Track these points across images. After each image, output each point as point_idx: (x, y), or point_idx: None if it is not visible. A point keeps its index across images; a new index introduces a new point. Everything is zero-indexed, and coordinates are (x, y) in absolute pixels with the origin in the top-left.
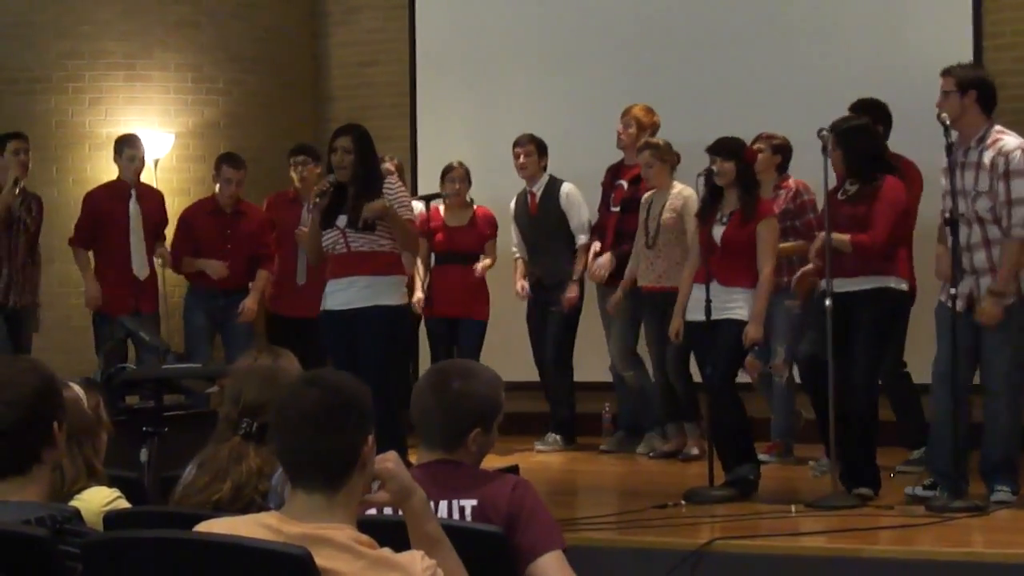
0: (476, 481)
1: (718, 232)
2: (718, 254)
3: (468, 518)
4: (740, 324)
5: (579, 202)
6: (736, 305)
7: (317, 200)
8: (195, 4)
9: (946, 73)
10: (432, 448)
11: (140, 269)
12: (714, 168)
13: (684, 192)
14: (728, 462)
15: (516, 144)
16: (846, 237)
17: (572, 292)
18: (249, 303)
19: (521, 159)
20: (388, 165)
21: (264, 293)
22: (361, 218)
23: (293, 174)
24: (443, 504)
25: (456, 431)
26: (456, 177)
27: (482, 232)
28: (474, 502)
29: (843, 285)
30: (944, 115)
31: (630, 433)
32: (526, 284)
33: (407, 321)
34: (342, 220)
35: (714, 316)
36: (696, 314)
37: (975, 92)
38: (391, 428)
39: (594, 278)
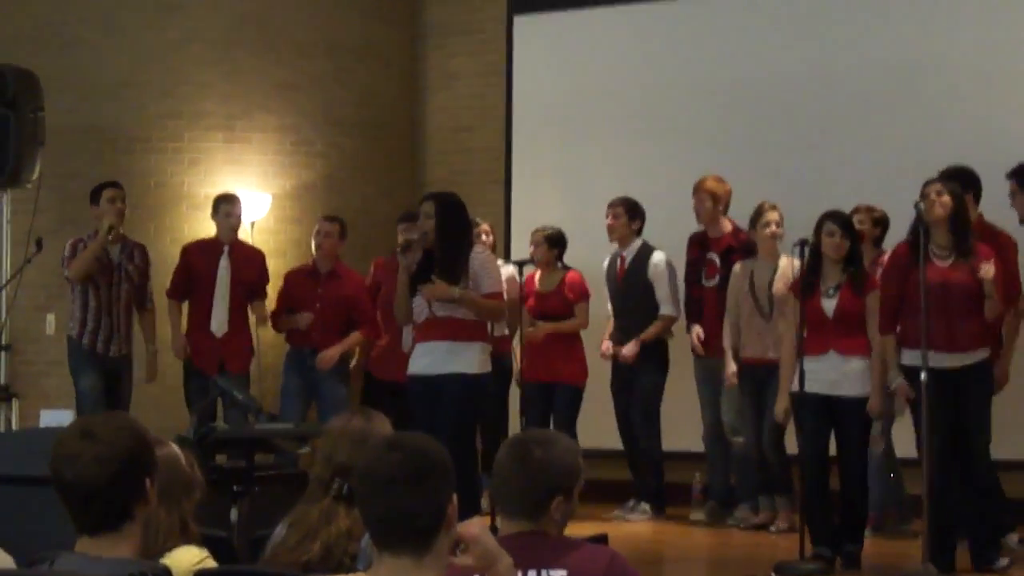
0: (565, 550)
1: (828, 305)
2: (830, 326)
3: None
4: (862, 401)
5: (667, 273)
6: (854, 379)
7: (399, 251)
8: (296, 67)
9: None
10: (515, 518)
11: (219, 327)
12: (808, 239)
13: (796, 264)
14: (829, 536)
15: (608, 205)
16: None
17: (628, 350)
18: (330, 352)
19: (609, 220)
20: (484, 228)
21: (352, 350)
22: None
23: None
24: (532, 573)
25: (539, 500)
26: (535, 241)
27: (567, 297)
28: (563, 572)
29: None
30: None
31: (721, 504)
32: (610, 345)
33: (486, 389)
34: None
35: (833, 392)
36: (816, 387)
37: None
38: (467, 494)
39: (696, 351)
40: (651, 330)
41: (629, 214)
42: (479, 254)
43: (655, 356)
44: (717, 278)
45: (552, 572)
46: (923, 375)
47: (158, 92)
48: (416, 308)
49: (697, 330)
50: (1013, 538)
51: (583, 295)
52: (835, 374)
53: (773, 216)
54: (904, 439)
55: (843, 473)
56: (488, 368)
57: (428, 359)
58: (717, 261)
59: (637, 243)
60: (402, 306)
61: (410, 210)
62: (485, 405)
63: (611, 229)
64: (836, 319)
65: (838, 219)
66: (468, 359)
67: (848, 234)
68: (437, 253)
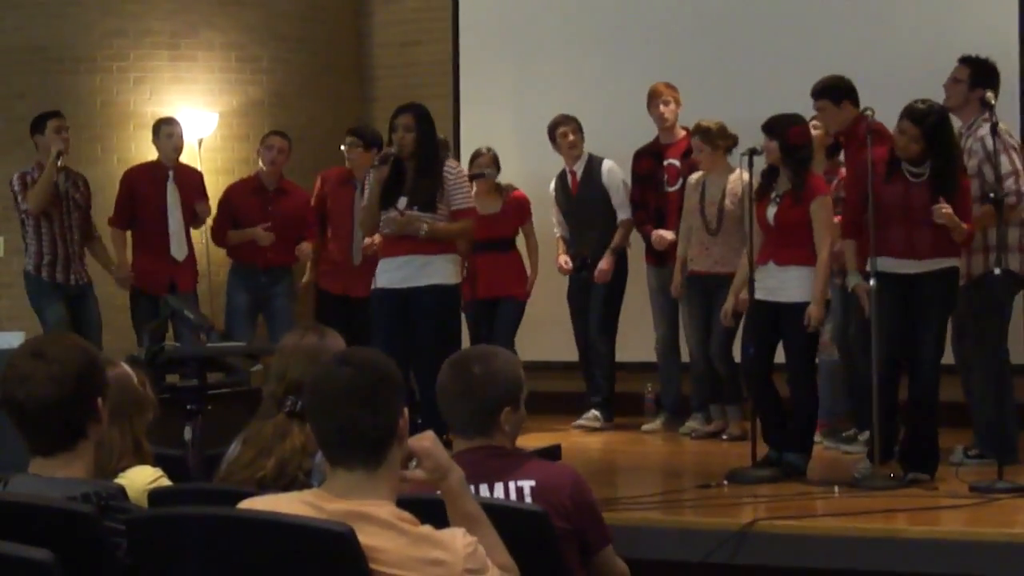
0: (528, 464)
1: (772, 212)
2: (773, 234)
3: (528, 498)
4: (803, 308)
5: (621, 178)
6: (794, 287)
7: (375, 163)
8: None
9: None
10: (468, 436)
11: (179, 250)
12: (758, 148)
13: (744, 177)
14: (777, 441)
15: (559, 124)
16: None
17: (606, 264)
18: (304, 246)
19: (570, 137)
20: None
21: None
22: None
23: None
24: (499, 486)
25: (487, 413)
26: (483, 164)
27: (512, 219)
28: (532, 483)
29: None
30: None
31: (674, 414)
32: (568, 259)
33: (460, 300)
34: (402, 201)
35: (774, 298)
36: (760, 294)
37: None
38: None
39: (660, 245)
40: (617, 239)
41: (580, 131)
42: (452, 169)
43: (615, 263)
44: (681, 181)
45: (520, 483)
46: (872, 281)
47: (102, 10)
48: (384, 220)
49: (662, 232)
50: (958, 449)
51: (529, 215)
52: (774, 282)
53: None
54: None
55: (789, 380)
56: (459, 279)
57: (401, 272)
58: (677, 164)
59: (584, 157)
60: (372, 216)
61: (359, 125)
62: (455, 316)
63: (573, 146)
64: (777, 228)
65: (766, 125)
66: (442, 271)
67: (775, 136)
68: (416, 165)
